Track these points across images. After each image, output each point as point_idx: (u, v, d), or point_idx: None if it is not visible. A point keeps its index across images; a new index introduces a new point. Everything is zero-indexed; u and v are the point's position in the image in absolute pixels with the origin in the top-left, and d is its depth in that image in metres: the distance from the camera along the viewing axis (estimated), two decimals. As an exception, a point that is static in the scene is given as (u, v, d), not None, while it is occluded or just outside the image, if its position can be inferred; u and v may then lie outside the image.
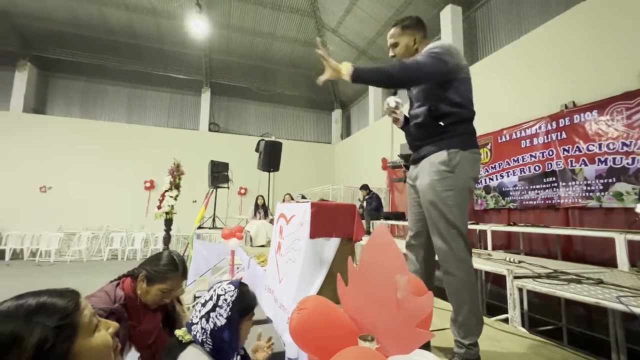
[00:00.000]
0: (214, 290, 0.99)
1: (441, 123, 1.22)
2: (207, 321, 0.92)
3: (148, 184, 9.29)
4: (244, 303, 0.99)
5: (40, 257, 7.72)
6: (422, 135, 1.28)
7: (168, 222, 4.48)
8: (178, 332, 0.95)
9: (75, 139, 8.88)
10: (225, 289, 0.98)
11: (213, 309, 0.94)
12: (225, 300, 0.95)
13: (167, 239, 4.57)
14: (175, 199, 4.41)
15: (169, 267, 1.30)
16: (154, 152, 9.27)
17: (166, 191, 4.38)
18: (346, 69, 1.12)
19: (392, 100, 1.36)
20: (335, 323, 0.58)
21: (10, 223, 8.01)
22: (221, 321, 0.92)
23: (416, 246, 1.32)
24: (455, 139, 1.19)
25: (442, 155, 1.17)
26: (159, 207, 4.39)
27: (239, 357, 0.97)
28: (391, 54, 1.41)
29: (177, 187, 4.45)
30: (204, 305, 0.96)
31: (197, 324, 0.93)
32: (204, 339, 0.91)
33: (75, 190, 8.68)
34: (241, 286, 1.02)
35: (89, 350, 0.55)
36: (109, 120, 9.67)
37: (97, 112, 9.73)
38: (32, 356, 0.48)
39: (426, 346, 1.13)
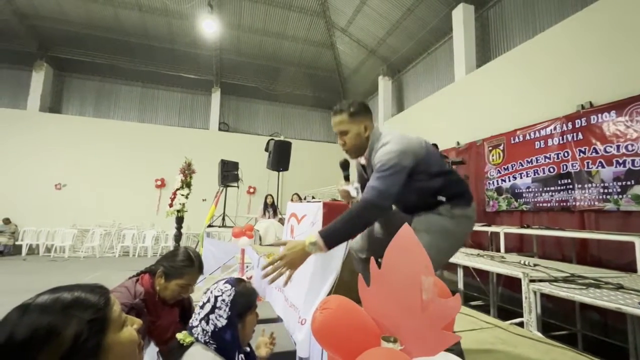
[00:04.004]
0: (211, 292, 0.98)
1: (441, 198, 1.21)
2: (207, 323, 0.92)
3: (159, 182, 9.43)
4: (243, 300, 0.98)
5: (55, 253, 7.91)
6: (419, 208, 1.27)
7: (179, 220, 4.53)
8: (179, 336, 0.94)
9: (89, 138, 9.08)
10: (222, 290, 0.97)
11: (212, 311, 0.93)
12: (224, 300, 0.94)
13: (178, 237, 4.63)
14: (187, 197, 4.46)
15: (185, 263, 1.34)
16: (165, 151, 9.40)
17: (178, 189, 4.43)
18: (311, 243, 1.04)
19: (352, 190, 1.36)
20: (358, 323, 0.58)
21: (26, 219, 8.23)
22: (222, 322, 0.92)
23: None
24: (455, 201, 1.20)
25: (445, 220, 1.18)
26: (171, 205, 4.45)
27: (241, 356, 0.96)
28: (340, 142, 1.32)
29: (189, 185, 4.50)
30: (202, 307, 0.96)
31: (197, 326, 0.93)
32: (207, 340, 0.91)
33: (88, 187, 8.87)
34: (237, 284, 1.01)
35: (117, 344, 0.56)
36: (122, 120, 9.85)
37: (111, 111, 9.93)
38: (68, 349, 0.50)
39: None
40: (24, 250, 7.76)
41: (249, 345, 1.11)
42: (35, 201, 8.44)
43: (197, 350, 0.90)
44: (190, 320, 0.96)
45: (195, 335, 0.92)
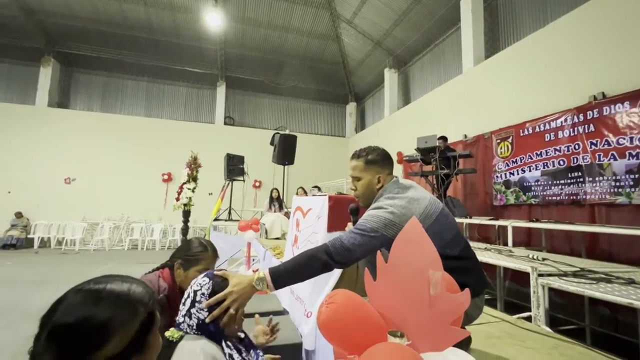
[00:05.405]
0: (191, 287, 1.00)
1: None
2: (190, 318, 0.94)
3: (166, 176, 9.52)
4: (222, 291, 0.99)
5: (66, 246, 8.08)
6: None
7: (186, 214, 4.58)
8: (167, 334, 0.95)
9: (97, 132, 9.19)
10: (200, 284, 0.99)
11: (192, 305, 0.95)
12: (203, 294, 0.96)
13: (185, 230, 4.68)
14: (193, 191, 4.49)
15: (200, 249, 1.40)
16: (171, 145, 9.47)
17: (184, 183, 4.47)
18: (259, 278, 1.00)
19: None
20: (364, 318, 0.57)
21: (38, 213, 8.41)
22: (203, 314, 0.93)
23: None
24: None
25: None
26: (178, 199, 4.49)
27: (228, 342, 0.97)
28: (352, 187, 1.29)
29: (195, 179, 4.53)
30: (184, 304, 0.97)
31: (182, 322, 0.95)
32: (195, 333, 0.93)
33: (97, 181, 9.01)
34: (215, 276, 1.02)
35: (154, 345, 0.60)
36: (128, 114, 9.93)
37: (117, 106, 10.01)
38: (130, 340, 0.53)
39: None
40: (36, 244, 7.94)
41: (244, 332, 1.12)
42: (46, 195, 8.61)
43: (187, 342, 0.91)
44: (177, 318, 0.98)
45: (184, 330, 0.94)
